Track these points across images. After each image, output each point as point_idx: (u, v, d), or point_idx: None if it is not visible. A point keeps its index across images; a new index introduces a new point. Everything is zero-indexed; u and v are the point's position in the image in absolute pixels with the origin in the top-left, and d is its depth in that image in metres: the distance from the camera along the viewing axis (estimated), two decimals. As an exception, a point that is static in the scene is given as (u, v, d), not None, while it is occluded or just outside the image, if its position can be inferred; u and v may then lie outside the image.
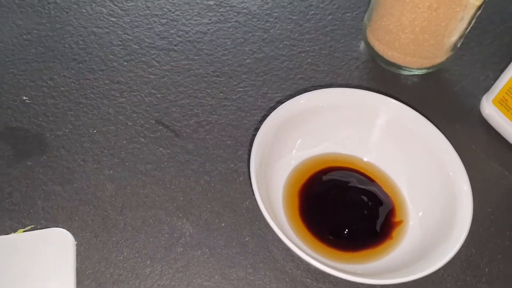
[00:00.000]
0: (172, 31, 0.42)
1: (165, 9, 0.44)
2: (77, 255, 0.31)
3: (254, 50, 0.42)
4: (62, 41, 0.41)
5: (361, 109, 0.34)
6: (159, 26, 0.43)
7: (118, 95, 0.38)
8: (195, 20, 0.43)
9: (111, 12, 0.43)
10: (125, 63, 0.40)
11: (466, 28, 0.38)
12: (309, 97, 0.33)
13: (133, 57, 0.40)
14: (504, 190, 0.36)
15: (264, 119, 0.32)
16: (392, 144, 0.34)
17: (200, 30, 0.43)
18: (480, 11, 0.37)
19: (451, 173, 0.31)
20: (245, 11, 0.45)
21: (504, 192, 0.36)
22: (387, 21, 0.38)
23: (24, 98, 0.37)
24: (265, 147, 0.31)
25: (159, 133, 0.36)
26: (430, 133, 0.32)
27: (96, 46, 0.41)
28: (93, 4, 0.44)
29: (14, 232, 0.31)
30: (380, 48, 0.40)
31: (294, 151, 0.34)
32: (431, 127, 0.32)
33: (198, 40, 0.42)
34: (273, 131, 0.32)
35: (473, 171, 0.34)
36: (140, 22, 0.43)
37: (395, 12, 0.37)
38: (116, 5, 0.44)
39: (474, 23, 0.38)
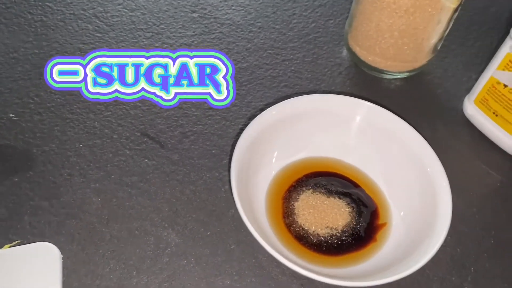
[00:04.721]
0: (157, 44, 0.43)
1: (150, 23, 0.45)
2: (63, 268, 0.31)
3: (238, 60, 0.42)
4: (49, 58, 0.42)
5: (338, 114, 0.34)
6: (144, 40, 0.43)
7: (103, 109, 0.39)
8: (180, 33, 0.44)
9: (96, 28, 0.44)
10: (111, 78, 0.41)
11: (445, 31, 0.38)
12: (283, 107, 0.33)
13: (118, 71, 0.41)
14: (489, 189, 0.36)
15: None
16: (370, 145, 0.34)
17: (185, 42, 0.43)
18: (457, 13, 0.37)
19: (428, 169, 0.31)
20: (229, 22, 0.45)
21: (489, 191, 0.36)
22: (366, 27, 0.39)
23: (11, 115, 0.38)
24: (244, 159, 0.31)
25: (144, 145, 0.37)
26: (405, 132, 0.33)
27: (82, 61, 0.42)
28: (79, 21, 0.44)
29: (1, 248, 0.31)
30: (362, 53, 0.41)
31: (273, 160, 0.34)
32: (406, 126, 0.33)
33: (183, 52, 0.43)
34: (252, 140, 0.32)
35: (457, 170, 0.34)
36: (125, 37, 0.43)
37: (373, 18, 0.37)
38: (101, 21, 0.45)
39: (456, 24, 0.39)
